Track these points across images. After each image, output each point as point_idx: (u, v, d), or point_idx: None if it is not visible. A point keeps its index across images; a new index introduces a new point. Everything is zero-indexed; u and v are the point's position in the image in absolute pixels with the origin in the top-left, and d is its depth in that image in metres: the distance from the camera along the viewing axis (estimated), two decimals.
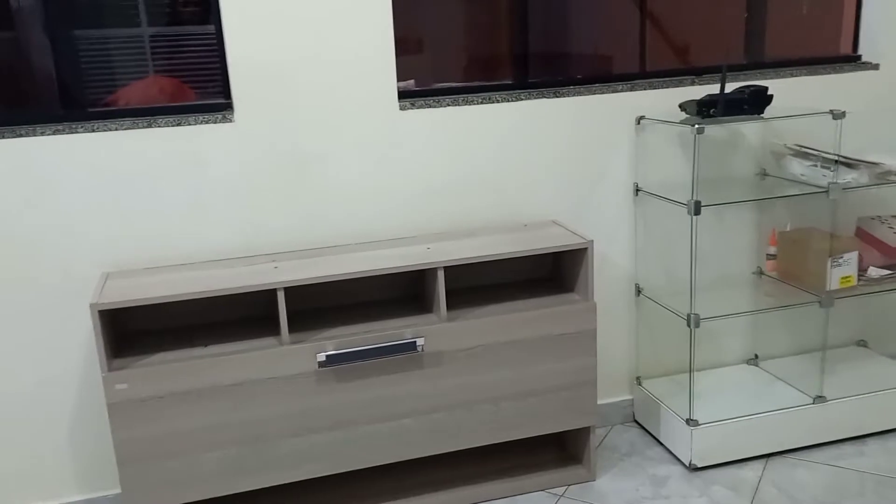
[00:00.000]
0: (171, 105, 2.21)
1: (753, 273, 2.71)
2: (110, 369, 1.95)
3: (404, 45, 2.45)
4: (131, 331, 2.21)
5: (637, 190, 2.54)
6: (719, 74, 2.29)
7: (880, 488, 2.28)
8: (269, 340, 2.10)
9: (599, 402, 2.69)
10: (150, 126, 2.14)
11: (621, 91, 2.46)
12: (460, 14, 2.57)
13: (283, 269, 2.11)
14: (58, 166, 2.10)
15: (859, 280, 2.44)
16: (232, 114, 2.19)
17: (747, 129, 2.58)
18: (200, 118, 2.16)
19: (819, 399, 2.48)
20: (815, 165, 2.39)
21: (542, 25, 2.57)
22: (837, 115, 2.28)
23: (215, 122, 2.17)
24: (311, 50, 2.20)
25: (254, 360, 2.03)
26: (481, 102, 2.36)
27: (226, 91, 2.21)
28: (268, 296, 2.25)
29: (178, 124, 2.15)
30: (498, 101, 2.38)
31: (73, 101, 2.18)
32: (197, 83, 2.27)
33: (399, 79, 2.35)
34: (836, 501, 2.23)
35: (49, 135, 2.07)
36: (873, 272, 2.46)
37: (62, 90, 2.17)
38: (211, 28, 2.22)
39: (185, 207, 2.21)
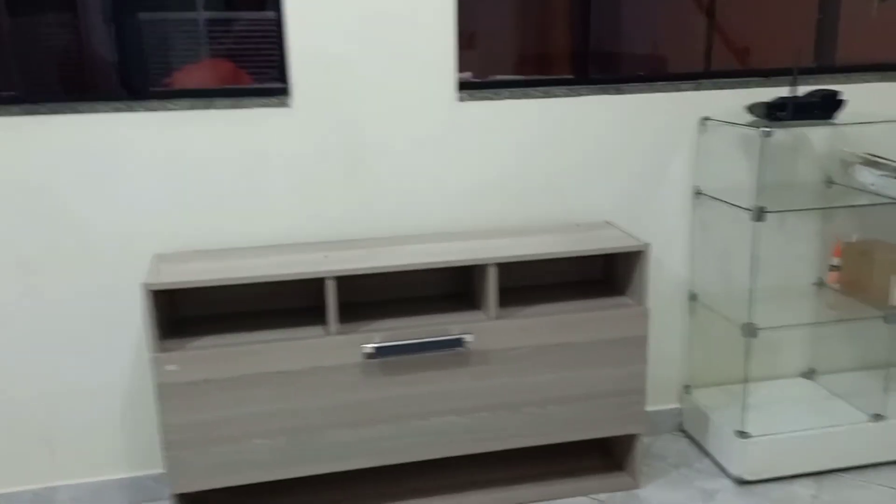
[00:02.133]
0: (228, 87, 2.20)
1: (814, 284, 2.62)
2: (161, 350, 1.95)
3: (465, 38, 2.40)
4: (183, 316, 2.21)
5: (697, 193, 2.47)
6: (787, 77, 2.21)
7: None
8: (316, 330, 2.08)
9: (649, 409, 2.63)
10: (207, 108, 2.13)
11: (685, 90, 2.39)
12: (523, 8, 2.52)
13: (334, 258, 2.09)
14: (115, 145, 2.10)
15: None
16: (289, 99, 2.17)
17: (815, 135, 2.49)
18: (257, 101, 2.15)
19: (877, 417, 2.38)
20: (886, 175, 2.29)
21: (604, 21, 2.50)
22: None
23: (272, 107, 2.16)
24: (370, 38, 2.18)
25: (301, 348, 2.01)
26: (540, 97, 2.31)
27: (283, 77, 2.19)
28: (317, 286, 2.23)
29: (235, 107, 2.14)
30: (557, 96, 2.33)
31: (133, 82, 2.19)
32: (255, 69, 2.26)
33: (458, 70, 2.31)
34: None
35: (107, 112, 2.08)
36: None
37: (121, 72, 2.17)
38: (271, 14, 2.20)
39: (239, 192, 2.20)
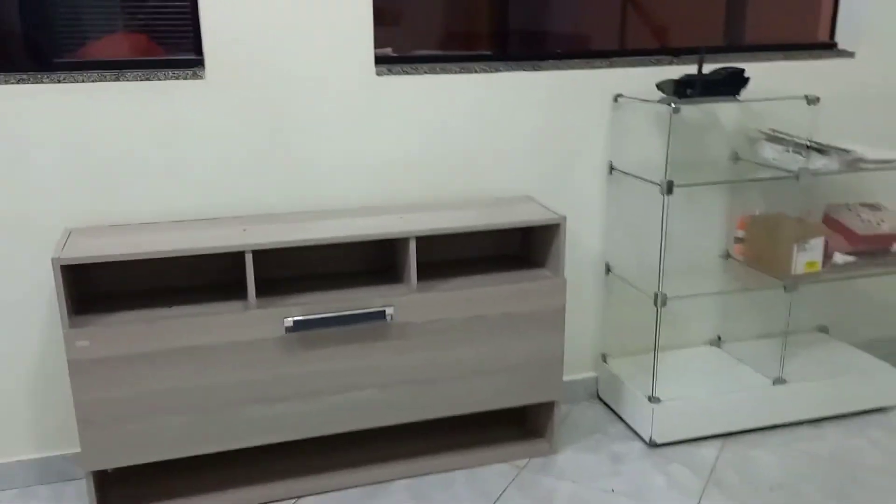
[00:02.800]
0: (139, 59, 2.15)
1: (721, 256, 2.74)
2: (72, 326, 1.91)
3: (383, 15, 2.40)
4: (96, 292, 2.17)
5: (612, 168, 2.55)
6: (697, 55, 2.30)
7: (834, 471, 2.33)
8: (235, 305, 2.07)
9: (564, 378, 2.71)
10: (118, 80, 2.08)
11: (599, 67, 2.45)
12: None
13: (253, 232, 2.08)
14: (21, 117, 2.03)
15: (824, 266, 2.48)
16: (203, 70, 2.13)
17: (723, 113, 2.59)
18: (170, 73, 2.10)
19: (778, 381, 2.53)
20: (788, 150, 2.41)
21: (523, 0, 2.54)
22: (812, 101, 2.30)
23: (186, 79, 2.12)
24: (286, 11, 2.15)
25: (219, 323, 2.00)
26: (459, 72, 2.34)
27: (197, 49, 2.15)
28: (236, 261, 2.21)
29: (147, 79, 2.09)
30: (475, 72, 2.35)
31: (40, 52, 2.11)
32: (169, 42, 2.21)
33: (377, 46, 2.31)
34: (790, 483, 2.28)
35: (12, 83, 2.00)
36: (838, 258, 2.50)
37: (28, 42, 2.09)
38: None
39: (154, 165, 2.16)
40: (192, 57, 2.16)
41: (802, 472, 2.32)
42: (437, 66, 2.33)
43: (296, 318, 2.03)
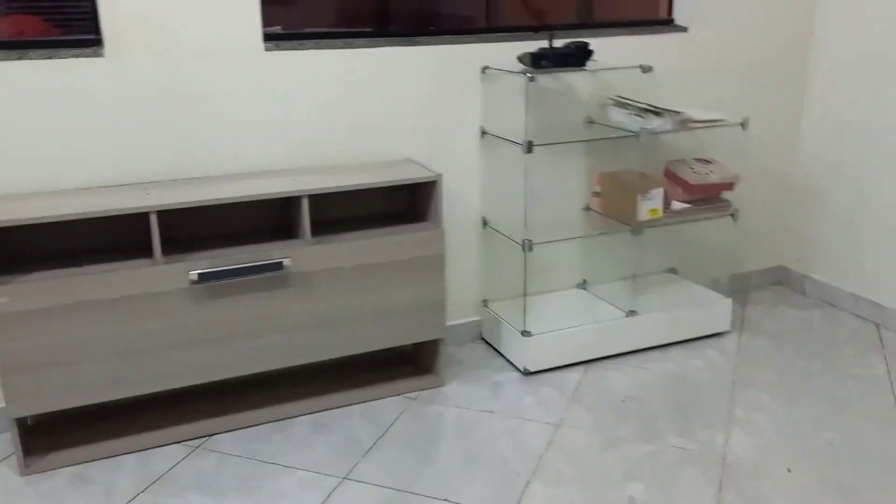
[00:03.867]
0: (42, 39, 2.30)
1: (583, 209, 3.13)
2: None
3: None
4: (15, 255, 2.33)
5: (483, 132, 2.87)
6: (548, 32, 2.63)
7: (674, 383, 2.76)
8: (144, 261, 2.28)
9: (452, 322, 3.04)
10: (20, 59, 2.23)
11: (469, 42, 2.76)
12: None
13: (155, 195, 2.29)
14: None
15: (665, 213, 2.89)
16: (102, 49, 2.31)
17: (579, 82, 2.96)
18: (72, 52, 2.27)
19: (631, 313, 2.94)
20: (630, 114, 2.79)
21: None
22: (646, 70, 2.68)
23: (87, 57, 2.29)
24: None
25: (129, 277, 2.21)
26: (342, 47, 2.60)
27: (96, 28, 2.33)
28: (143, 222, 2.42)
29: (50, 57, 2.25)
30: (358, 47, 2.62)
31: None
32: (68, 24, 2.37)
33: (268, 24, 2.54)
34: (638, 395, 2.69)
35: None
36: (676, 205, 2.92)
37: None
38: None
39: (59, 137, 2.33)
40: (92, 36, 2.33)
41: (649, 386, 2.74)
42: (322, 41, 2.58)
43: (200, 271, 2.26)
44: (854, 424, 2.49)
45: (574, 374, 2.84)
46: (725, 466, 2.27)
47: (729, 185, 2.99)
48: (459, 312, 3.07)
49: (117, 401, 2.58)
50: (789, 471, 2.24)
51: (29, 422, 2.49)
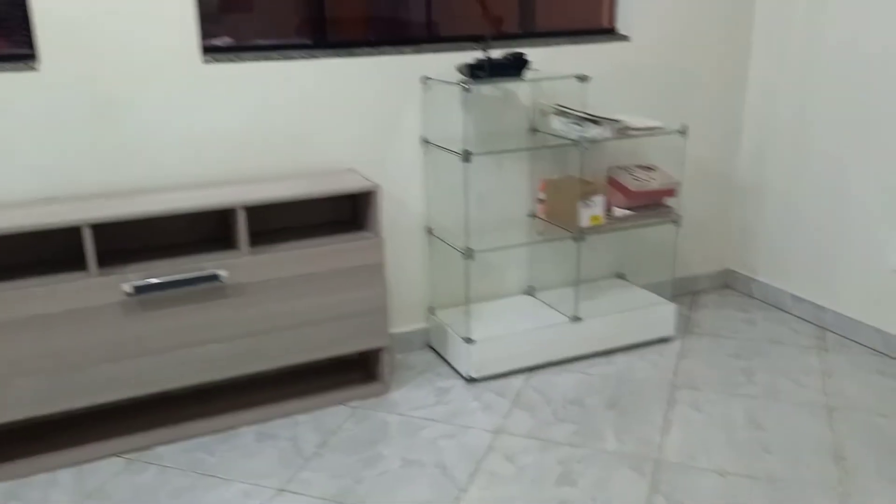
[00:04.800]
0: None
1: (528, 216, 3.17)
2: None
3: (232, 4, 2.67)
4: None
5: (425, 141, 2.90)
6: (494, 42, 2.67)
7: (619, 387, 2.80)
8: (77, 275, 2.28)
9: (398, 330, 3.06)
10: None
11: (408, 53, 2.79)
12: None
13: (90, 207, 2.29)
14: None
15: (606, 219, 2.93)
16: (36, 62, 2.31)
17: (520, 91, 3.00)
18: (4, 66, 2.27)
19: (575, 319, 2.98)
20: (570, 122, 2.84)
21: None
22: (582, 79, 2.72)
23: (19, 71, 2.29)
24: (115, 2, 2.36)
25: (62, 291, 2.20)
26: (280, 59, 2.62)
27: (30, 42, 2.32)
28: (77, 236, 2.41)
29: None
30: (296, 59, 2.64)
31: None
32: (6, 35, 2.36)
33: (218, 35, 2.55)
34: (580, 398, 2.73)
35: None
36: (617, 212, 2.96)
37: None
38: None
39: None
40: (26, 51, 2.33)
41: (591, 390, 2.78)
42: (261, 54, 2.60)
43: (135, 284, 2.26)
44: (785, 419, 2.54)
45: (517, 380, 2.87)
46: (659, 466, 2.31)
47: (670, 192, 3.04)
48: (407, 320, 3.09)
49: (54, 415, 2.57)
50: (721, 476, 2.29)
51: None
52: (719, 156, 3.52)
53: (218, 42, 2.65)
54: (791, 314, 3.41)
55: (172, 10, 2.43)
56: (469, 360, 2.82)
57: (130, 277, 2.27)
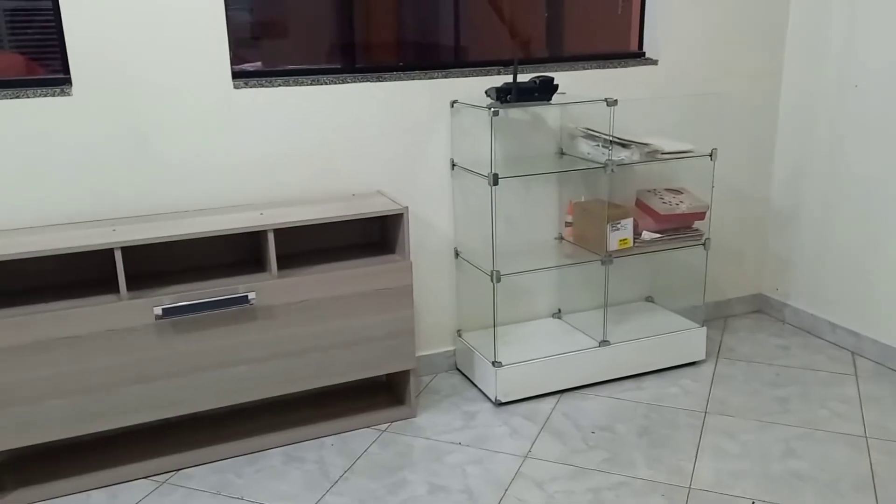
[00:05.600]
0: (6, 79, 2.35)
1: (556, 239, 3.15)
2: None
3: (268, 30, 2.71)
4: None
5: (453, 165, 2.90)
6: (522, 66, 2.67)
7: (650, 413, 2.75)
8: (109, 297, 2.30)
9: (426, 352, 3.05)
10: None
11: (437, 77, 2.80)
12: (311, 4, 2.84)
13: (122, 231, 2.32)
14: None
15: (635, 242, 2.91)
16: (70, 88, 2.36)
17: (548, 114, 2.99)
18: (39, 91, 2.32)
19: (604, 343, 2.94)
20: (598, 145, 2.82)
21: (371, 15, 2.87)
22: (611, 103, 2.71)
23: (54, 96, 2.34)
24: (147, 30, 2.41)
25: (94, 313, 2.23)
26: (310, 84, 2.64)
27: (65, 67, 2.37)
28: (109, 259, 2.44)
29: (17, 97, 2.30)
30: (326, 84, 2.66)
31: None
32: (39, 60, 2.42)
33: (250, 60, 2.59)
34: (611, 424, 2.68)
35: None
36: (646, 235, 2.93)
37: None
38: (47, 3, 2.37)
39: (25, 175, 2.37)
40: (60, 76, 2.38)
41: (621, 416, 2.74)
42: (291, 78, 2.62)
43: (164, 306, 2.28)
44: (822, 452, 2.47)
45: (546, 405, 2.83)
46: (692, 496, 2.26)
47: (700, 215, 3.01)
48: (434, 342, 3.07)
49: (86, 436, 2.59)
50: (753, 502, 2.23)
51: None
52: (751, 178, 3.48)
53: (249, 67, 2.69)
54: (826, 340, 3.34)
55: (204, 36, 2.47)
56: (497, 383, 2.80)
57: (161, 300, 2.29)
